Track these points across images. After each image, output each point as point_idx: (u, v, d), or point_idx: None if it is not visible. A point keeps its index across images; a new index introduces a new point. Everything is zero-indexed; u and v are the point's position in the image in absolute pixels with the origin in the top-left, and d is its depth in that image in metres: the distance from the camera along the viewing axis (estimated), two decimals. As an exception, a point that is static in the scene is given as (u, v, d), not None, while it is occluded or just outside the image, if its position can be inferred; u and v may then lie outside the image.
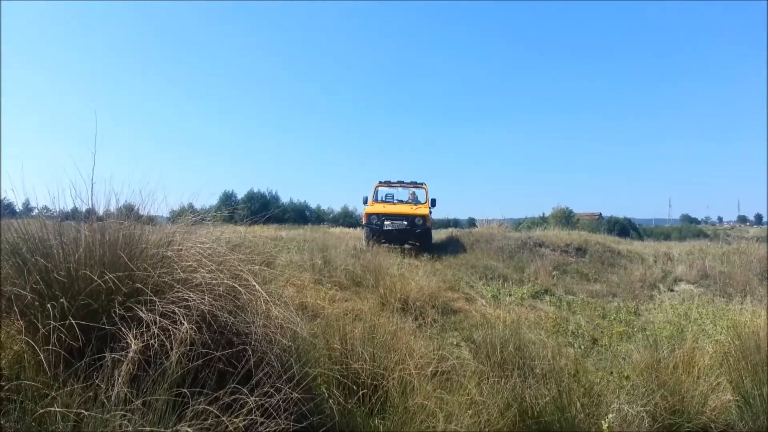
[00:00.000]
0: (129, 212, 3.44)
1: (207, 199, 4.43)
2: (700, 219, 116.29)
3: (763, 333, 4.89)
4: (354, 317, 5.19)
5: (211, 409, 2.29)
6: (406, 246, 13.89)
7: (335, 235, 16.75)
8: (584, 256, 13.84)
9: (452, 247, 13.92)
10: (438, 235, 16.32)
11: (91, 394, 2.34)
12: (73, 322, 2.51)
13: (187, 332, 2.52)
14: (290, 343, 3.15)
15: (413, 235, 13.49)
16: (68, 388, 2.34)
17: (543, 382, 3.72)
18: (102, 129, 3.19)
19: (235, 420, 2.31)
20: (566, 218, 41.48)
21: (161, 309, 2.66)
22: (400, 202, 15.27)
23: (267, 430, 2.40)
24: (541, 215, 44.90)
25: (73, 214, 3.42)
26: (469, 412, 3.26)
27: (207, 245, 3.29)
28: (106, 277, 2.69)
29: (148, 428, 2.20)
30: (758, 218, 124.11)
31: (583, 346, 5.87)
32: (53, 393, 2.30)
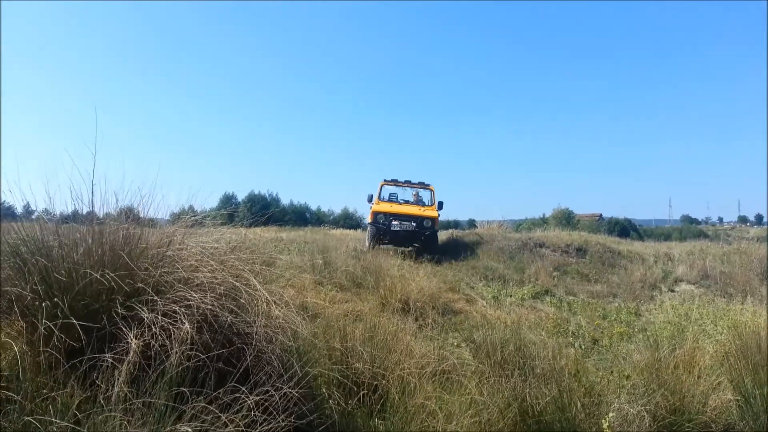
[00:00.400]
0: (129, 213, 3.44)
1: (207, 200, 4.42)
2: (700, 219, 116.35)
3: (764, 333, 4.89)
4: (354, 318, 5.20)
5: (211, 408, 2.29)
6: (408, 248, 13.57)
7: (336, 236, 16.81)
8: (585, 256, 13.85)
9: (454, 248, 13.88)
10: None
11: (90, 394, 2.35)
12: (74, 322, 2.51)
13: (187, 332, 2.53)
14: (291, 343, 3.15)
15: (420, 238, 12.97)
16: (68, 389, 2.35)
17: (543, 382, 3.71)
18: (102, 129, 3.18)
19: (234, 418, 2.32)
20: (566, 219, 41.46)
21: (162, 308, 2.67)
22: (406, 202, 14.91)
23: (267, 428, 2.40)
24: (542, 216, 44.91)
25: (74, 216, 3.42)
26: (470, 412, 3.26)
27: (208, 245, 3.30)
28: (107, 277, 2.69)
29: (147, 428, 2.21)
30: (759, 218, 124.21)
31: (583, 347, 5.87)
32: (53, 393, 2.31)
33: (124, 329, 2.57)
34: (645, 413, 3.51)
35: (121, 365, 2.38)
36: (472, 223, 24.35)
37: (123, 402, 2.28)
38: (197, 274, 2.94)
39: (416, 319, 6.13)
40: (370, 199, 14.36)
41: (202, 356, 2.58)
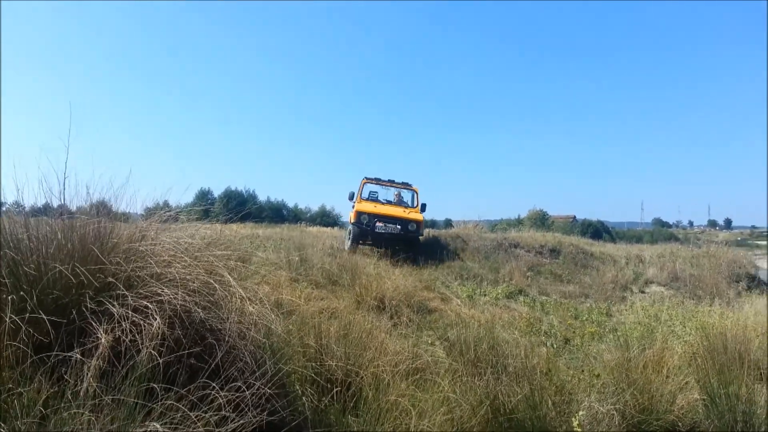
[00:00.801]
0: (102, 207, 3.39)
1: (183, 196, 4.37)
2: (671, 223, 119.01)
3: (730, 334, 5.03)
4: (330, 315, 5.19)
5: (179, 405, 2.26)
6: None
7: (312, 234, 16.72)
8: (558, 257, 14.01)
9: (431, 247, 13.84)
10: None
11: (58, 390, 2.30)
12: (43, 316, 2.46)
13: (159, 327, 2.50)
14: (264, 340, 3.13)
15: (403, 241, 12.25)
16: (35, 384, 2.30)
17: (516, 380, 3.76)
18: (77, 123, 3.13)
19: (204, 415, 2.29)
20: (541, 220, 42.02)
21: (133, 303, 2.63)
22: (388, 202, 14.13)
23: (238, 424, 2.39)
24: (517, 217, 45.34)
25: (45, 209, 3.36)
26: (442, 409, 3.28)
27: (182, 240, 3.26)
28: (77, 271, 2.64)
29: (116, 425, 2.18)
30: (728, 223, 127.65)
31: (555, 346, 5.95)
32: (19, 389, 2.26)
33: (93, 324, 2.53)
34: (614, 412, 3.57)
35: (91, 360, 2.34)
36: (448, 223, 24.47)
37: (92, 398, 2.24)
38: (170, 270, 2.91)
39: (391, 317, 6.16)
40: (351, 197, 13.70)
41: (174, 352, 2.55)
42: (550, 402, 3.54)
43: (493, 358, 4.20)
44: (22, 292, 2.58)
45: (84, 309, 2.63)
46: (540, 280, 11.69)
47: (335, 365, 3.59)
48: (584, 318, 8.09)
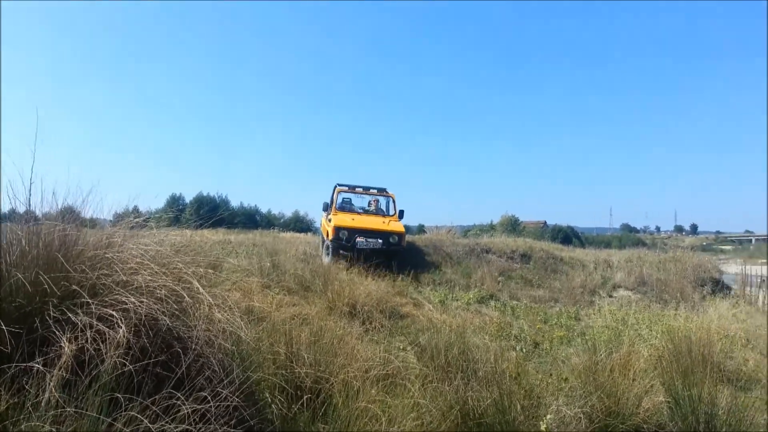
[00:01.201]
0: (69, 213, 3.32)
1: (153, 201, 4.31)
2: (639, 228, 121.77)
3: (695, 338, 5.16)
4: (301, 322, 5.16)
5: (140, 417, 2.22)
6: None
7: (285, 239, 16.61)
8: (529, 262, 14.18)
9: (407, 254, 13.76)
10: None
11: (18, 400, 2.25)
12: (3, 327, 2.40)
13: (124, 336, 2.45)
14: (233, 348, 3.10)
15: (385, 254, 11.39)
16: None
17: (485, 384, 3.78)
18: (43, 127, 3.08)
19: (169, 426, 2.26)
20: (513, 226, 42.45)
21: (98, 312, 2.58)
22: (365, 211, 13.40)
23: (204, 434, 2.36)
24: (490, 222, 45.75)
25: (10, 216, 3.28)
26: (412, 415, 3.29)
27: (150, 247, 3.21)
28: (40, 279, 2.59)
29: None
30: (693, 228, 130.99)
31: (525, 350, 6.01)
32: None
33: (57, 333, 2.47)
34: (582, 415, 3.61)
35: (53, 370, 2.29)
36: (421, 229, 24.58)
37: (53, 409, 2.19)
38: (136, 277, 2.86)
39: (363, 323, 6.15)
40: (325, 208, 13.13)
41: (139, 361, 2.51)
42: (518, 406, 3.57)
43: (464, 362, 4.22)
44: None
45: (47, 317, 2.57)
46: (511, 285, 11.82)
47: (305, 372, 3.57)
48: (553, 322, 8.20)
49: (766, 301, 11.65)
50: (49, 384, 2.24)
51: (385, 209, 13.71)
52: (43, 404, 2.18)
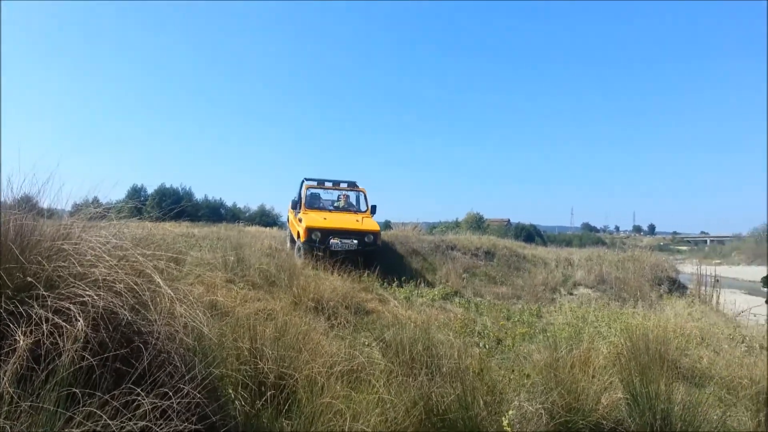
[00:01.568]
0: (26, 203, 3.21)
1: (112, 192, 4.19)
2: (599, 228, 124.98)
3: (652, 335, 5.29)
4: (266, 317, 5.10)
5: (99, 413, 2.17)
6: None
7: (251, 233, 16.37)
8: (492, 259, 14.34)
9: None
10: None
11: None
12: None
13: (81, 329, 2.38)
14: (194, 343, 3.05)
15: (360, 254, 10.70)
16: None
17: (449, 380, 3.80)
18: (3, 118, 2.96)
19: (129, 422, 2.21)
20: (477, 223, 43.02)
21: (54, 305, 2.50)
22: (335, 207, 12.71)
23: (164, 431, 2.31)
24: (455, 220, 46.19)
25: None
26: (377, 410, 3.29)
27: (108, 239, 3.12)
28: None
29: (34, 431, 2.07)
30: (651, 228, 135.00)
31: (488, 346, 6.07)
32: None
33: (11, 326, 2.39)
34: (543, 411, 3.67)
35: (7, 365, 2.21)
36: (387, 225, 24.64)
37: (7, 404, 2.12)
38: (94, 270, 2.78)
39: (328, 318, 6.12)
40: (294, 206, 12.40)
41: (98, 356, 2.44)
42: (481, 402, 3.60)
43: (428, 358, 4.24)
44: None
45: (0, 310, 2.48)
46: (475, 282, 11.95)
47: (268, 368, 3.53)
48: (516, 319, 8.31)
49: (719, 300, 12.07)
50: (3, 378, 2.17)
51: (355, 204, 13.16)
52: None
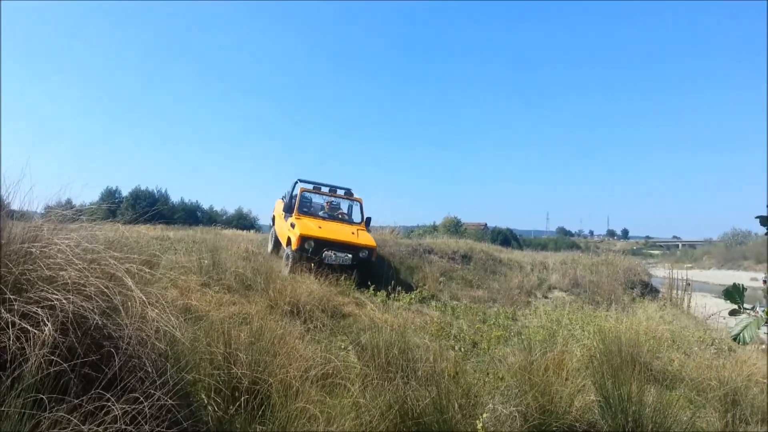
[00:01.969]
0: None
1: (83, 194, 4.09)
2: (574, 232, 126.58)
3: (624, 338, 5.38)
4: (241, 321, 5.06)
5: (69, 417, 2.13)
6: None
7: (227, 236, 16.19)
8: (469, 263, 14.42)
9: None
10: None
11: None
12: None
13: (50, 334, 2.34)
14: (167, 348, 3.00)
15: (352, 268, 10.03)
16: None
17: (424, 384, 3.82)
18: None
19: (98, 428, 2.17)
20: (455, 227, 43.25)
21: (21, 309, 2.45)
22: (330, 216, 11.91)
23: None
24: (433, 224, 46.35)
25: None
26: (351, 414, 3.29)
27: (79, 242, 3.06)
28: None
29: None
30: (625, 233, 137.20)
31: (463, 349, 6.10)
32: None
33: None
34: (516, 414, 3.71)
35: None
36: (364, 227, 24.62)
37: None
38: (63, 273, 2.73)
39: (304, 322, 6.09)
40: (288, 209, 11.47)
41: (67, 361, 2.40)
42: (456, 405, 3.62)
43: (404, 362, 4.24)
44: None
45: (-36, 315, 2.42)
46: (452, 286, 11.99)
47: (241, 373, 3.50)
48: (492, 322, 8.37)
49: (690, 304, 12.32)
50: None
51: (347, 212, 12.54)
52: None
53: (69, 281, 2.69)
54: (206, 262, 7.91)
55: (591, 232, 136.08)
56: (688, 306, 12.46)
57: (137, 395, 2.43)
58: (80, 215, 3.61)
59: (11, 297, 2.49)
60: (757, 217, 2.38)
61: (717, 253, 61.84)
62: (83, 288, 2.72)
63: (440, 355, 4.58)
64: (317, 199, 12.47)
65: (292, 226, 10.54)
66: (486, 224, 66.05)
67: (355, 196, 12.52)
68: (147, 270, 3.51)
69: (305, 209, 11.71)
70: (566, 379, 4.17)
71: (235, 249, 10.82)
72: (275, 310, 6.36)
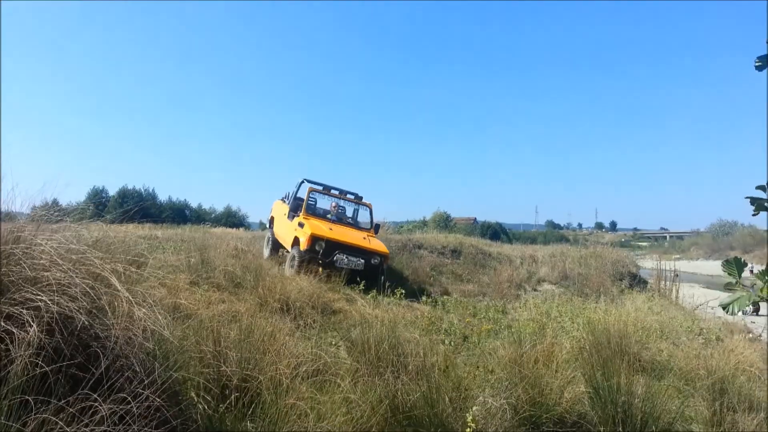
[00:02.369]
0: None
1: (74, 193, 4.05)
2: (562, 225, 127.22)
3: (613, 330, 5.42)
4: (230, 319, 5.04)
5: (55, 419, 2.11)
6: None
7: (216, 235, 16.11)
8: (459, 257, 14.48)
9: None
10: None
11: None
12: None
13: (35, 335, 2.31)
14: (155, 347, 2.98)
15: (361, 273, 9.51)
16: None
17: (415, 378, 3.83)
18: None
19: (85, 429, 2.15)
20: (444, 222, 43.34)
21: (6, 310, 2.42)
22: (339, 220, 11.49)
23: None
24: (422, 219, 46.43)
25: None
26: (342, 410, 3.29)
27: (62, 243, 3.02)
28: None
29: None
30: (613, 225, 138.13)
31: (454, 343, 6.12)
32: None
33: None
34: (507, 406, 3.73)
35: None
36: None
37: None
38: (47, 274, 2.70)
39: (294, 319, 6.08)
40: (296, 208, 10.97)
41: (54, 362, 2.37)
42: (447, 399, 3.63)
43: (394, 357, 4.25)
44: None
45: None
46: (442, 280, 12.04)
47: (231, 371, 3.48)
48: (482, 316, 8.40)
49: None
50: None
51: (352, 217, 12.21)
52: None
53: (54, 282, 2.66)
54: (195, 260, 7.87)
55: (580, 225, 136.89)
56: (676, 296, 12.61)
57: (125, 395, 2.41)
58: (65, 215, 3.57)
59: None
60: (747, 197, 2.42)
61: (704, 244, 62.49)
62: (68, 288, 2.69)
63: (431, 349, 4.60)
64: (321, 203, 11.97)
65: (301, 225, 10.11)
66: (475, 219, 66.28)
67: (366, 201, 12.10)
68: (134, 269, 3.48)
69: (313, 211, 11.30)
70: (556, 371, 4.20)
71: (224, 247, 10.74)
72: (265, 307, 6.33)
